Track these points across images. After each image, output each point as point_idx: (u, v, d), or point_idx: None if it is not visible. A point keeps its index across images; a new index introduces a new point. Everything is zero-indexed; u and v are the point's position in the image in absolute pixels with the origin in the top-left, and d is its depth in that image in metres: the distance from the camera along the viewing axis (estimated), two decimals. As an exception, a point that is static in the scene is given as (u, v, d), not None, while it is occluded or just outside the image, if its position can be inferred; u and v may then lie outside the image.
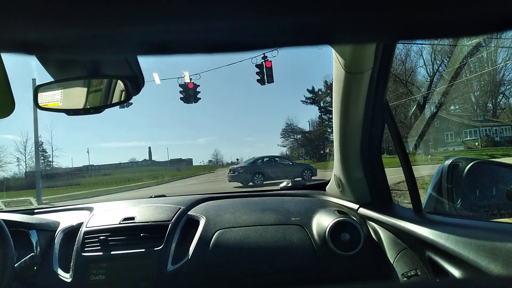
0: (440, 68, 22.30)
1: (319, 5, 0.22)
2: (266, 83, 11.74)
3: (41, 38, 0.25)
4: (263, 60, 11.49)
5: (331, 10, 0.22)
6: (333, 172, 1.67)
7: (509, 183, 1.15)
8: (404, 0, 0.22)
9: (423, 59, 23.67)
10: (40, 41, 0.26)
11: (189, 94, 12.56)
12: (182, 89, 12.58)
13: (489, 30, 0.25)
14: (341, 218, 1.37)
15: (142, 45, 0.27)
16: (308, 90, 47.35)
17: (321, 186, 1.94)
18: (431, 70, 22.87)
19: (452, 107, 26.30)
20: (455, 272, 0.91)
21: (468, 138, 24.84)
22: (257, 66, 11.62)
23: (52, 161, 46.24)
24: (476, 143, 23.67)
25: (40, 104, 0.96)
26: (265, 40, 0.28)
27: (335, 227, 1.35)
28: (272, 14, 0.23)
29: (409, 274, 1.15)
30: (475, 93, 26.93)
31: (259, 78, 11.66)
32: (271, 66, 11.56)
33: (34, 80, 14.19)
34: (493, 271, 0.77)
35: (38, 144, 16.08)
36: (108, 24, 0.23)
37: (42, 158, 45.37)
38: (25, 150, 40.54)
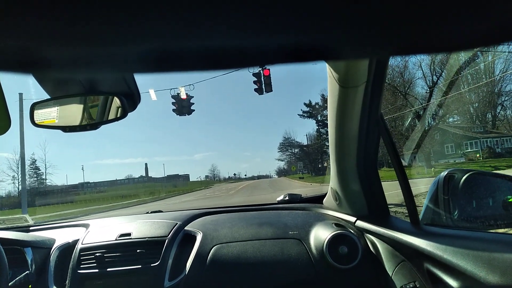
0: (439, 80, 22.54)
1: (313, 23, 0.22)
2: (264, 93, 11.08)
3: (38, 57, 0.25)
4: (260, 69, 10.70)
5: (325, 28, 0.23)
6: (330, 185, 1.67)
7: (504, 193, 1.15)
8: (397, 17, 0.22)
9: (422, 70, 23.89)
10: (38, 60, 0.26)
11: (182, 105, 12.10)
12: (174, 101, 12.10)
13: (481, 44, 0.26)
14: (338, 231, 1.36)
15: (139, 63, 0.28)
16: (305, 103, 47.44)
17: (318, 199, 1.93)
18: (430, 81, 23.10)
19: (451, 119, 26.38)
20: (454, 284, 0.91)
21: (469, 150, 24.65)
22: (254, 74, 10.97)
23: (46, 179, 45.63)
24: (478, 155, 23.51)
25: (36, 122, 0.97)
26: (260, 58, 0.28)
27: (332, 241, 1.35)
28: (267, 32, 0.23)
29: (407, 286, 1.14)
30: (474, 105, 27.08)
31: (257, 87, 11.04)
32: (270, 74, 10.90)
33: (21, 94, 13.99)
34: (491, 282, 0.77)
35: (24, 161, 15.46)
36: (104, 43, 0.23)
37: (35, 175, 44.85)
38: (17, 168, 40.01)
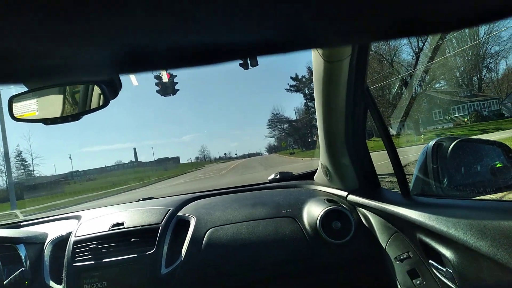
0: (424, 46, 22.47)
1: (297, 11, 0.21)
2: (250, 67, 10.67)
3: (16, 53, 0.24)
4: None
5: (310, 17, 0.22)
6: (320, 161, 1.67)
7: (492, 159, 1.17)
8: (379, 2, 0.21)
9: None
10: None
11: (166, 86, 11.50)
12: (157, 81, 11.44)
13: (463, 25, 0.25)
14: (331, 207, 1.38)
15: (119, 64, 0.26)
16: (291, 77, 47.02)
17: (309, 175, 1.95)
18: (416, 46, 23.01)
19: (438, 85, 26.32)
20: (446, 252, 0.93)
21: (457, 115, 24.66)
22: (239, 48, 10.40)
23: (33, 170, 44.73)
24: (465, 119, 23.51)
25: (15, 115, 0.93)
26: (245, 49, 0.27)
27: (325, 216, 1.36)
28: (250, 23, 0.22)
29: (401, 257, 1.16)
30: (460, 69, 27.08)
31: (242, 62, 10.21)
32: (255, 47, 10.38)
33: (-4, 85, 13.71)
34: (482, 249, 0.79)
35: (8, 154, 15.30)
36: (85, 43, 0.22)
37: (22, 168, 43.88)
38: (3, 161, 39.15)
